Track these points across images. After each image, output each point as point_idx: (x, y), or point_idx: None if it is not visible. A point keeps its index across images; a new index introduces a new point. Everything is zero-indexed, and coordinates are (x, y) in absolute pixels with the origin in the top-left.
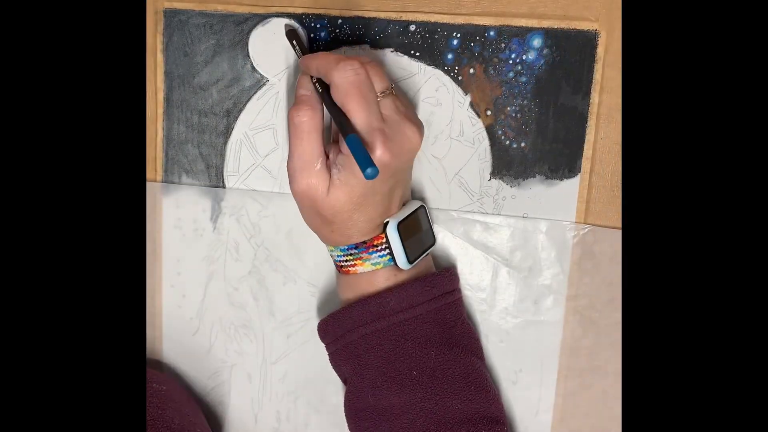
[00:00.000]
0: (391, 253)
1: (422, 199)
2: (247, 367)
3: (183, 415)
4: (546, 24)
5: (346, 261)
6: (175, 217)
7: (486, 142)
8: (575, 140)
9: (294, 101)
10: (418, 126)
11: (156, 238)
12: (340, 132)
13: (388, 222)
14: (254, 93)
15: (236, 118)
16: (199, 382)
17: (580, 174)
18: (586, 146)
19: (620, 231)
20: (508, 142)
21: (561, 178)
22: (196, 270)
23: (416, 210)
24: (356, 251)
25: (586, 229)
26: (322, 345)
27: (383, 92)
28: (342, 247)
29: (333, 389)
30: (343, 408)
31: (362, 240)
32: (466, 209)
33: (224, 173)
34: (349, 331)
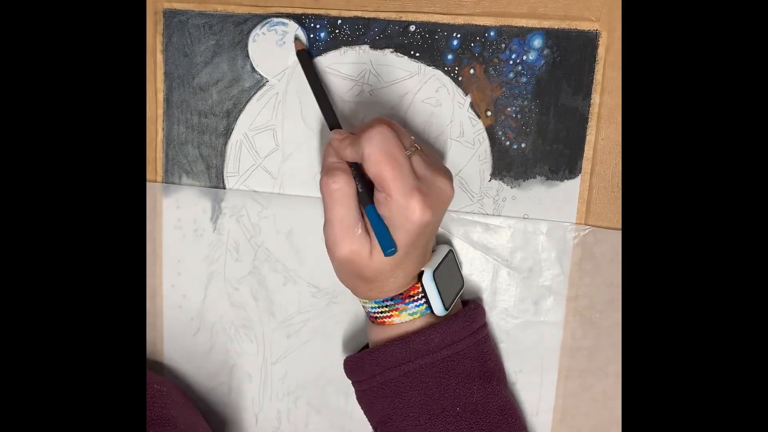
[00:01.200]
0: (427, 302)
1: None
2: (247, 367)
3: (186, 416)
4: (546, 24)
5: (381, 313)
6: (175, 218)
7: (486, 143)
8: (576, 141)
9: (324, 169)
10: (449, 176)
11: (156, 238)
12: (371, 202)
13: (423, 272)
14: (254, 93)
15: (236, 118)
16: (200, 382)
17: (580, 175)
18: (586, 147)
19: (621, 232)
20: (508, 143)
21: (561, 179)
22: (197, 270)
23: (446, 255)
24: (392, 303)
25: (587, 230)
26: (322, 345)
27: (409, 149)
28: (377, 300)
29: (333, 389)
30: (342, 408)
31: (399, 293)
32: (466, 210)
33: (224, 174)
34: (389, 368)
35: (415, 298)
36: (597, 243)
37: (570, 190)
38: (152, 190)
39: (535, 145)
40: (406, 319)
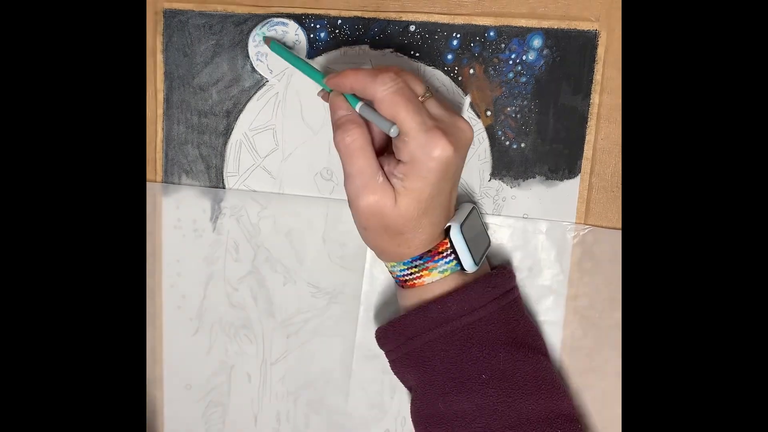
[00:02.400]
0: (456, 258)
1: None
2: (246, 367)
3: None
4: (546, 24)
5: (411, 274)
6: (175, 218)
7: (486, 143)
8: (575, 141)
9: (334, 125)
10: (466, 119)
11: (156, 238)
12: (406, 130)
13: (449, 227)
14: (254, 93)
15: (236, 118)
16: (199, 382)
17: (580, 174)
18: (586, 147)
19: (620, 231)
20: (508, 143)
21: (561, 179)
22: (196, 270)
23: (471, 211)
24: (421, 262)
25: (586, 230)
26: (322, 345)
27: (423, 96)
28: (405, 261)
29: (332, 390)
30: (342, 408)
31: (427, 249)
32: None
33: (224, 174)
34: (412, 338)
35: (444, 254)
36: (596, 242)
37: (569, 189)
38: (152, 189)
39: (534, 145)
40: (436, 277)
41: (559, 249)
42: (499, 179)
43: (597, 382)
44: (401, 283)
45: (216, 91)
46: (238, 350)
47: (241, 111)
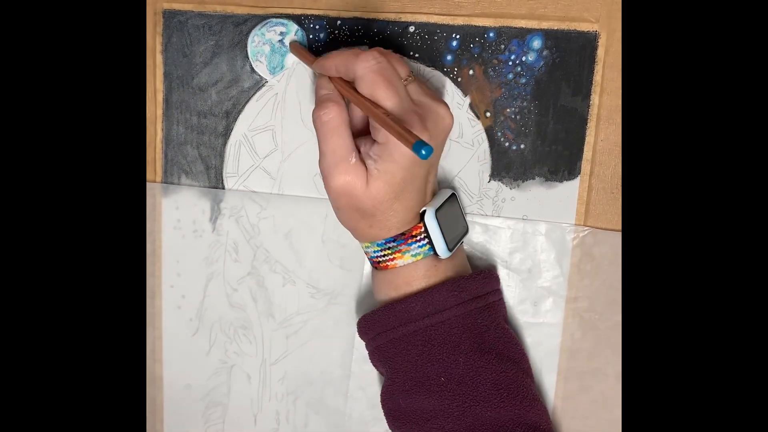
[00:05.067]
0: (430, 242)
1: None
2: (246, 367)
3: None
4: (546, 25)
5: (384, 256)
6: (174, 218)
7: (485, 144)
8: (575, 142)
9: (316, 102)
10: (447, 106)
11: (156, 238)
12: (375, 121)
13: (425, 210)
14: (253, 94)
15: (235, 119)
16: (199, 382)
17: (579, 176)
18: (586, 148)
19: (620, 233)
20: (507, 144)
21: (561, 180)
22: (196, 271)
23: (449, 197)
24: (394, 244)
25: (586, 231)
26: (321, 346)
27: (406, 79)
28: (379, 242)
29: (332, 390)
30: (342, 409)
31: (401, 232)
32: (465, 211)
33: (223, 174)
34: (379, 334)
35: (418, 238)
36: (596, 244)
37: (569, 191)
38: (152, 190)
39: (534, 146)
40: (409, 260)
41: (559, 251)
42: (499, 180)
43: (597, 385)
44: (374, 264)
45: (215, 92)
46: (238, 350)
47: (240, 111)
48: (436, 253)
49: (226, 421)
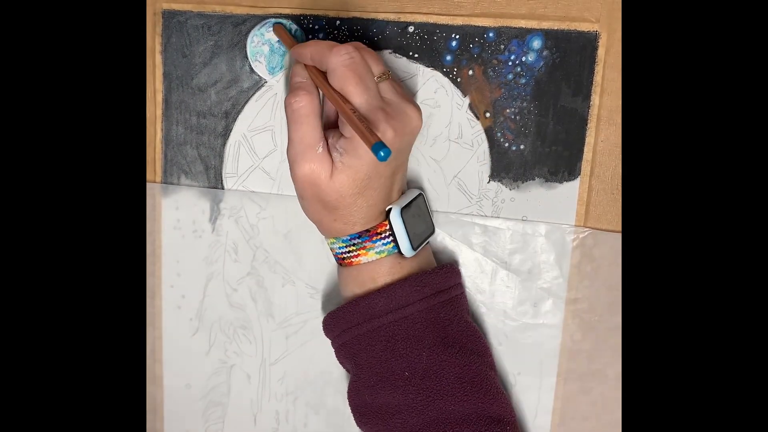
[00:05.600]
0: (394, 240)
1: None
2: (246, 367)
3: None
4: (546, 25)
5: (349, 252)
6: (174, 219)
7: (485, 145)
8: (575, 143)
9: (289, 89)
10: (418, 108)
11: (156, 239)
12: (341, 115)
13: (390, 209)
14: (253, 94)
15: (235, 119)
16: (199, 382)
17: (579, 177)
18: (586, 149)
19: (620, 234)
20: (507, 145)
21: (561, 181)
22: (196, 271)
23: (416, 197)
24: (359, 240)
25: (586, 233)
26: (321, 346)
27: (380, 76)
28: (344, 238)
29: (332, 390)
30: (341, 409)
31: (365, 228)
32: (464, 212)
33: (223, 175)
34: (344, 331)
35: (383, 236)
36: (596, 245)
37: (569, 192)
38: (151, 190)
39: (534, 147)
40: (373, 257)
41: (559, 252)
42: (498, 181)
43: (597, 386)
44: (339, 261)
45: (215, 92)
46: (238, 350)
47: (239, 112)
48: (400, 252)
49: (225, 420)
